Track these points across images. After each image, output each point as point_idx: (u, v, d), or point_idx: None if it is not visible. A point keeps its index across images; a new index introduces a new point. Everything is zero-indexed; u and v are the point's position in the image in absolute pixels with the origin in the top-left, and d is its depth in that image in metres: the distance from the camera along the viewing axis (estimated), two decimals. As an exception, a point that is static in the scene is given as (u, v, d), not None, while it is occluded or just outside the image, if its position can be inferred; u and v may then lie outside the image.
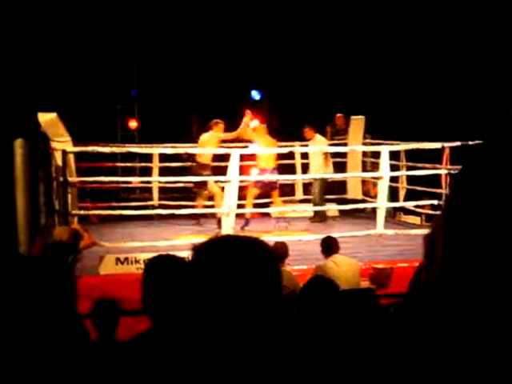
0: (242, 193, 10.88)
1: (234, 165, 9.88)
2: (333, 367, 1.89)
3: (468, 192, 0.90)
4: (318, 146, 11.85)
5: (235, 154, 9.97)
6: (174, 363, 1.95)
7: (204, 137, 11.42)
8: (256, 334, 1.55)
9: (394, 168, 10.94)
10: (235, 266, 1.52)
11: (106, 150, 10.94)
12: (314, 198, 11.96)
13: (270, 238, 8.26)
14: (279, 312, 1.58)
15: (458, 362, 0.92)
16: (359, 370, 2.93)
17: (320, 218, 11.85)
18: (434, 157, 10.99)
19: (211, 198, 11.33)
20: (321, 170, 11.69)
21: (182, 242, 8.93)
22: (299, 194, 13.23)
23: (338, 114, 13.84)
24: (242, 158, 10.35)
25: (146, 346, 2.25)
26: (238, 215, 10.22)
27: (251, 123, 11.58)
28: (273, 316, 1.57)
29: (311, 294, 3.50)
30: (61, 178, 9.57)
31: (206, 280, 1.51)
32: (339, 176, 12.32)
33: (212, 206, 11.19)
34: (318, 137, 12.08)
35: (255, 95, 17.65)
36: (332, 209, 12.28)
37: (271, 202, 11.68)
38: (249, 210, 11.13)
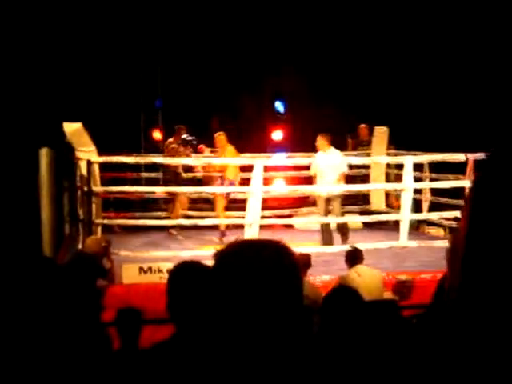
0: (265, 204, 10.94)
1: (257, 176, 9.90)
2: (354, 377, 1.89)
3: (487, 200, 0.90)
4: (339, 158, 10.79)
5: (259, 164, 9.98)
6: (196, 369, 1.96)
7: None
8: (277, 339, 1.55)
9: (417, 180, 10.89)
10: (256, 270, 1.52)
11: (131, 160, 10.97)
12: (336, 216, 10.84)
13: (295, 249, 8.25)
14: (300, 318, 1.59)
15: (479, 373, 0.92)
16: (381, 381, 2.92)
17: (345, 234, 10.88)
18: (457, 168, 10.92)
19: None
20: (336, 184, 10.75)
21: (205, 252, 8.94)
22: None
23: (362, 125, 13.78)
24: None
25: (169, 352, 2.26)
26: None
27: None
28: (294, 322, 1.57)
29: (334, 303, 3.51)
30: (85, 188, 9.63)
31: (228, 284, 1.52)
32: (362, 187, 12.26)
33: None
34: (333, 150, 10.80)
35: (279, 107, 17.66)
36: (355, 221, 12.21)
37: (290, 215, 11.74)
38: (273, 221, 11.14)
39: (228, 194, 11.01)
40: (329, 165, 10.51)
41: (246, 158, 11.28)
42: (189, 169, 11.97)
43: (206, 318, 1.92)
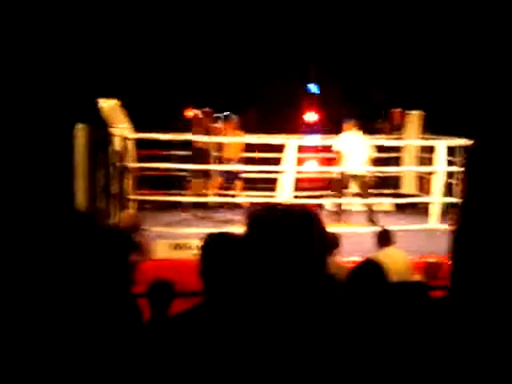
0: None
1: (290, 155, 9.95)
2: (371, 348, 1.94)
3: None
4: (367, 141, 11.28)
5: (292, 144, 10.04)
6: (224, 334, 2.02)
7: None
8: (301, 302, 1.61)
9: (450, 164, 10.87)
10: (285, 233, 1.59)
11: (166, 137, 11.08)
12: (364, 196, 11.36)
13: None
14: (324, 284, 1.65)
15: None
16: (403, 360, 2.97)
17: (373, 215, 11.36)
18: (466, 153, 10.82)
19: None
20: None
21: (236, 229, 9.01)
22: (353, 186, 13.17)
23: (395, 110, 13.75)
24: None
25: (198, 317, 2.33)
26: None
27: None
28: (318, 287, 1.63)
29: (360, 275, 3.57)
30: (119, 164, 9.75)
31: (259, 243, 1.59)
32: (393, 170, 12.26)
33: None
34: (358, 132, 11.35)
35: (312, 88, 17.65)
36: (386, 203, 12.24)
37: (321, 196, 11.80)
38: (305, 201, 11.19)
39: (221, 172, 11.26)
40: (356, 147, 10.91)
41: (279, 138, 11.32)
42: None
43: (237, 283, 1.99)
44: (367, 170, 10.93)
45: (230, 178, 11.37)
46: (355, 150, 10.90)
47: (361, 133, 11.19)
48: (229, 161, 11.22)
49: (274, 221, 1.62)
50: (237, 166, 11.20)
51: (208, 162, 11.66)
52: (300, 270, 1.62)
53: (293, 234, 1.61)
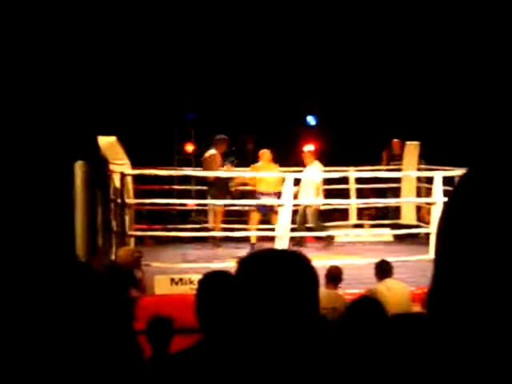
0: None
1: (288, 188, 10.02)
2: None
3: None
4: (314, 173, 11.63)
5: (290, 178, 10.12)
6: (220, 373, 2.04)
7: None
8: (294, 344, 1.63)
9: (448, 194, 10.90)
10: (274, 276, 1.61)
11: (163, 172, 11.12)
12: (313, 226, 11.51)
13: (325, 262, 8.31)
14: (316, 325, 1.67)
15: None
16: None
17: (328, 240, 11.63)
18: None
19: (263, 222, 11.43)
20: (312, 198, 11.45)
21: (235, 264, 9.01)
22: (353, 218, 13.24)
23: (395, 140, 13.83)
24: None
25: (196, 357, 2.35)
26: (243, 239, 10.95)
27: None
28: (310, 330, 1.65)
29: (356, 312, 3.58)
30: (118, 200, 9.79)
31: (248, 289, 1.62)
32: (393, 201, 12.31)
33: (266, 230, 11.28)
34: (317, 163, 11.86)
35: (311, 121, 17.77)
36: (386, 234, 12.27)
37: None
38: (304, 234, 11.24)
39: (259, 206, 11.03)
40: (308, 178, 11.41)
41: (277, 172, 11.37)
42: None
43: (232, 324, 2.02)
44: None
45: (268, 211, 11.15)
46: (305, 182, 11.34)
47: (316, 163, 11.73)
48: (266, 195, 11.07)
49: (265, 264, 1.65)
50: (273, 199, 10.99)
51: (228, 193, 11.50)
52: (292, 311, 1.64)
53: (284, 277, 1.63)
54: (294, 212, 11.03)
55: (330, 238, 11.60)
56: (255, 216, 11.06)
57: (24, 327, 2.45)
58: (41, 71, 12.83)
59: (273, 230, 10.49)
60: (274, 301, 1.61)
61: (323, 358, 1.73)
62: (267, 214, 11.08)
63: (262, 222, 11.34)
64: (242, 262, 1.68)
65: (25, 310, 2.38)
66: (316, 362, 1.70)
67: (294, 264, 1.65)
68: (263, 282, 1.62)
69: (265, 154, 11.33)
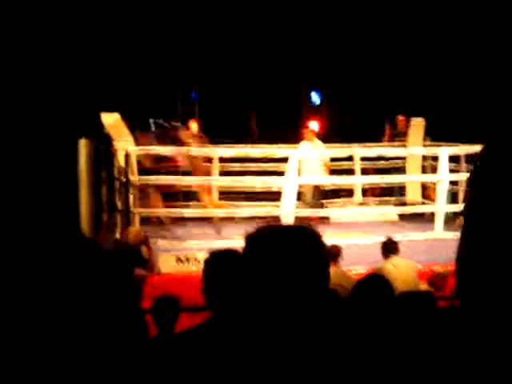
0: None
1: (292, 167, 9.97)
2: (382, 364, 1.93)
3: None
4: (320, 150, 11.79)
5: (294, 156, 10.05)
6: (229, 351, 2.01)
7: None
8: (304, 321, 1.60)
9: (453, 171, 10.85)
10: (285, 253, 1.58)
11: (168, 150, 11.07)
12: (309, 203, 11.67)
13: (330, 240, 8.28)
14: (327, 301, 1.64)
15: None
16: (410, 371, 2.95)
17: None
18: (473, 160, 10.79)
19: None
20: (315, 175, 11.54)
21: (240, 241, 8.99)
22: (358, 197, 13.17)
23: (400, 116, 13.71)
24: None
25: (204, 335, 2.33)
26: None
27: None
28: (320, 305, 1.62)
29: (364, 289, 3.55)
30: (123, 178, 9.75)
31: (257, 265, 1.58)
32: (397, 179, 12.24)
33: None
34: (317, 141, 12.06)
35: (315, 98, 17.68)
36: (391, 212, 12.21)
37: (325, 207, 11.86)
38: (308, 213, 11.20)
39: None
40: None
41: (281, 149, 11.31)
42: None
43: (240, 302, 1.98)
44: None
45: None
46: (308, 159, 11.38)
47: (317, 141, 11.86)
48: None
49: (273, 240, 1.61)
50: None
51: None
52: (302, 287, 1.61)
53: (293, 252, 1.60)
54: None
55: (325, 218, 11.60)
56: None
57: (32, 303, 2.42)
58: (44, 50, 12.76)
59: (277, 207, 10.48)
60: (284, 276, 1.58)
61: (334, 334, 1.70)
62: None
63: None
64: (251, 238, 1.64)
65: (32, 287, 2.35)
66: (327, 338, 1.67)
67: (303, 239, 1.62)
68: (273, 257, 1.59)
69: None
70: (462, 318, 1.54)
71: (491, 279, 0.87)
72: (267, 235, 1.65)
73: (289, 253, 1.61)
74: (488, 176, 0.94)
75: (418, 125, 13.13)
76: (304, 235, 1.65)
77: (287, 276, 1.59)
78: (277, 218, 10.19)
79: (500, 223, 0.88)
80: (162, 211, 11.46)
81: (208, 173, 11.74)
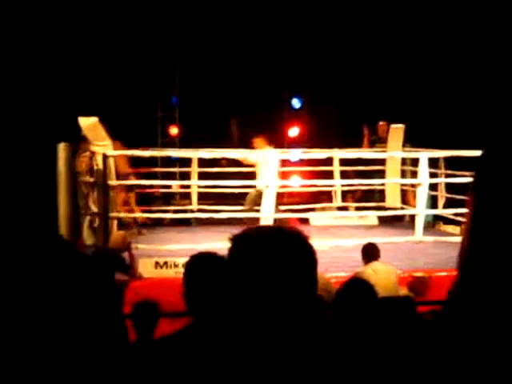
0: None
1: (272, 169, 9.95)
2: (366, 371, 1.90)
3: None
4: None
5: (274, 158, 10.03)
6: (211, 357, 1.98)
7: None
8: (290, 326, 1.57)
9: (433, 176, 10.88)
10: (271, 255, 1.55)
11: (146, 153, 11.03)
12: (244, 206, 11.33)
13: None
14: (314, 306, 1.61)
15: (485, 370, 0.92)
16: (393, 376, 2.93)
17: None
18: (474, 165, 10.83)
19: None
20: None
21: (220, 245, 8.95)
22: (337, 200, 13.16)
23: (381, 122, 13.73)
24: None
25: (185, 341, 2.30)
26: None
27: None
28: (307, 310, 1.59)
29: (348, 294, 3.53)
30: (101, 182, 9.69)
31: (243, 267, 1.55)
32: (377, 182, 12.26)
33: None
34: (269, 149, 11.47)
35: (296, 104, 17.68)
36: (371, 216, 12.23)
37: (312, 209, 11.83)
38: (288, 215, 11.17)
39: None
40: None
41: (261, 153, 11.29)
42: None
43: (222, 306, 1.94)
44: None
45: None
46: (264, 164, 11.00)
47: (269, 149, 11.40)
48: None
49: (261, 241, 1.58)
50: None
51: None
52: (290, 290, 1.58)
53: (281, 254, 1.57)
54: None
55: (305, 222, 11.53)
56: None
57: (9, 308, 2.37)
58: (21, 53, 12.67)
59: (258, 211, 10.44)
60: (271, 278, 1.54)
61: (320, 340, 1.67)
62: None
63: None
64: (237, 239, 1.60)
65: (9, 292, 2.30)
66: (313, 344, 1.64)
67: (291, 240, 1.59)
68: (261, 258, 1.55)
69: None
70: (450, 323, 1.52)
71: (501, 288, 0.85)
72: (254, 236, 1.62)
73: (277, 254, 1.57)
74: (493, 181, 0.92)
75: (397, 131, 13.16)
76: (292, 236, 1.62)
77: (275, 278, 1.56)
78: (256, 221, 10.16)
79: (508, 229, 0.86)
80: (137, 215, 11.47)
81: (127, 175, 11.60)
